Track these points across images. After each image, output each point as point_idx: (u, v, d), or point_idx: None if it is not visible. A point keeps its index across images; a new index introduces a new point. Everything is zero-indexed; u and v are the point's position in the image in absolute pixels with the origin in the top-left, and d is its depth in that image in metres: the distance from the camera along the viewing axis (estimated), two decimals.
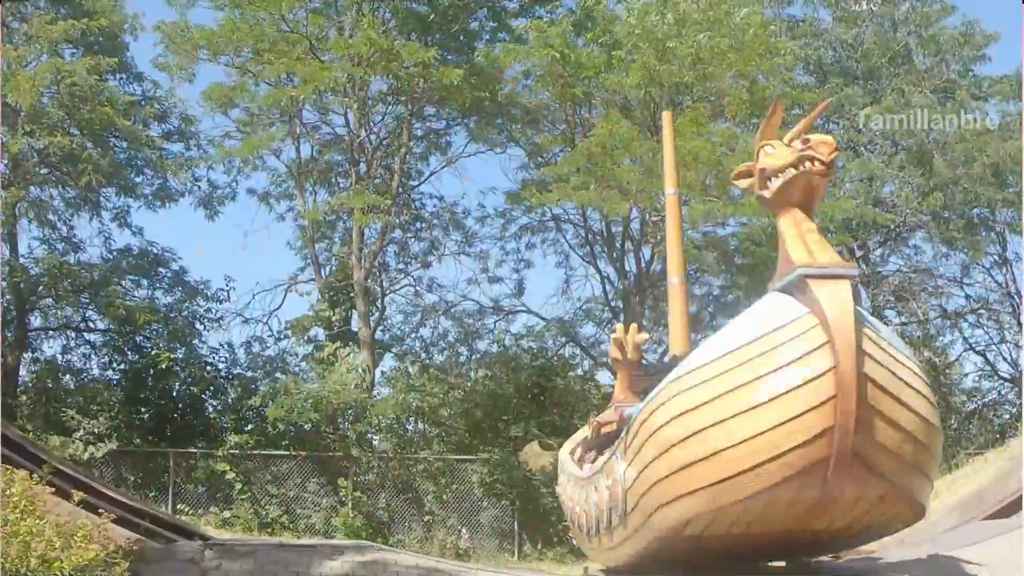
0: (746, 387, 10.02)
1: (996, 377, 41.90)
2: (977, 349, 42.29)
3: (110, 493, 19.49)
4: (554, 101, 34.37)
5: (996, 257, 41.03)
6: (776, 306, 10.24)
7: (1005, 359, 41.24)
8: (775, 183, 10.39)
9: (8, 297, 30.80)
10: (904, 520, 11.41)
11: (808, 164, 10.04)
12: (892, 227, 36.79)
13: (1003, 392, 41.85)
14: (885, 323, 38.91)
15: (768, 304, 10.41)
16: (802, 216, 10.34)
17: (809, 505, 10.20)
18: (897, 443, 9.94)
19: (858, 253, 37.77)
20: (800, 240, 10.10)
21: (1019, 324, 41.13)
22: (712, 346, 10.68)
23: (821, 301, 9.73)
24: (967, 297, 41.51)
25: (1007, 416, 39.92)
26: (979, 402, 41.71)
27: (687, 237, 32.83)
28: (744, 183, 11.53)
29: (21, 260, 31.74)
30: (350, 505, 28.47)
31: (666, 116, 18.66)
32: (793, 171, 10.14)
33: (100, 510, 14.68)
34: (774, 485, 9.94)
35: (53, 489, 12.89)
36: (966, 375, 43.13)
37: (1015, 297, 40.76)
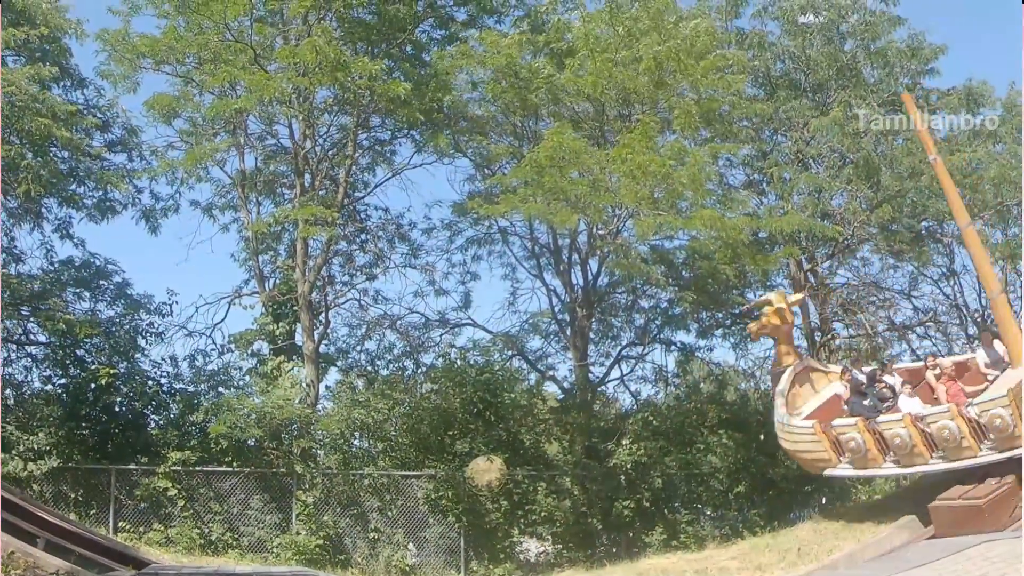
0: None
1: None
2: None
3: (45, 516, 19.13)
4: (502, 112, 34.25)
5: (944, 269, 41.19)
6: None
7: None
8: None
9: None
10: None
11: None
12: (840, 240, 36.73)
13: None
14: (835, 335, 39.33)
15: None
16: None
17: None
18: None
19: (806, 266, 37.76)
20: None
21: (967, 335, 41.29)
22: None
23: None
24: (915, 309, 41.64)
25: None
26: None
27: (634, 250, 32.83)
28: None
29: None
30: (295, 522, 28.15)
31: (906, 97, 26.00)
32: None
33: (37, 538, 14.40)
34: None
35: None
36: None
37: (963, 308, 40.93)
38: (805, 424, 23.46)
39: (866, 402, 23.22)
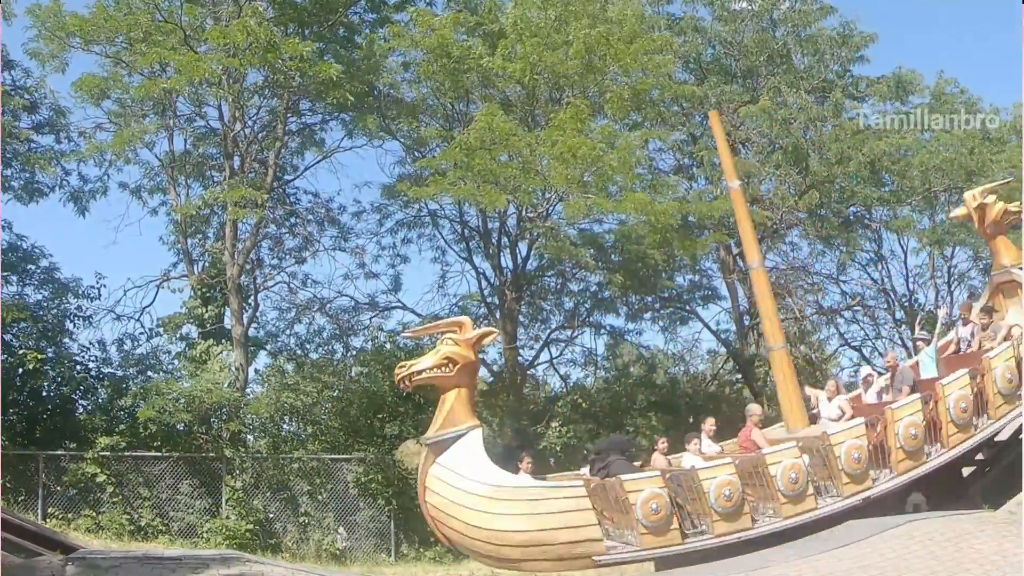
0: None
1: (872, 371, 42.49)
2: (853, 344, 42.95)
3: None
4: (433, 94, 34.25)
5: (872, 254, 41.69)
6: None
7: (880, 354, 41.82)
8: None
9: None
10: None
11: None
12: (769, 225, 37.05)
13: None
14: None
15: None
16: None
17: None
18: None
19: (735, 250, 38.05)
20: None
21: (894, 319, 41.83)
22: None
23: None
24: (843, 293, 42.11)
25: None
26: None
27: (564, 233, 32.90)
28: None
29: None
30: (224, 507, 28.03)
31: (713, 116, 22.02)
32: None
33: None
34: None
35: None
36: (843, 370, 43.71)
37: (890, 293, 41.46)
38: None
39: None
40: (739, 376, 40.98)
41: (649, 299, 38.60)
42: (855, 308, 42.00)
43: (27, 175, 32.92)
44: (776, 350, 20.16)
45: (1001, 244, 22.17)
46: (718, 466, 16.86)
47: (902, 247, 41.41)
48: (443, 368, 16.46)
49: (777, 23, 39.52)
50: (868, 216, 39.82)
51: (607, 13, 33.02)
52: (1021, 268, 21.38)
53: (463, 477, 16.39)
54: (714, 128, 20.95)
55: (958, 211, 24.01)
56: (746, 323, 39.27)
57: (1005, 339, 19.73)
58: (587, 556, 16.45)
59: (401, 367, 16.77)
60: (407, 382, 16.62)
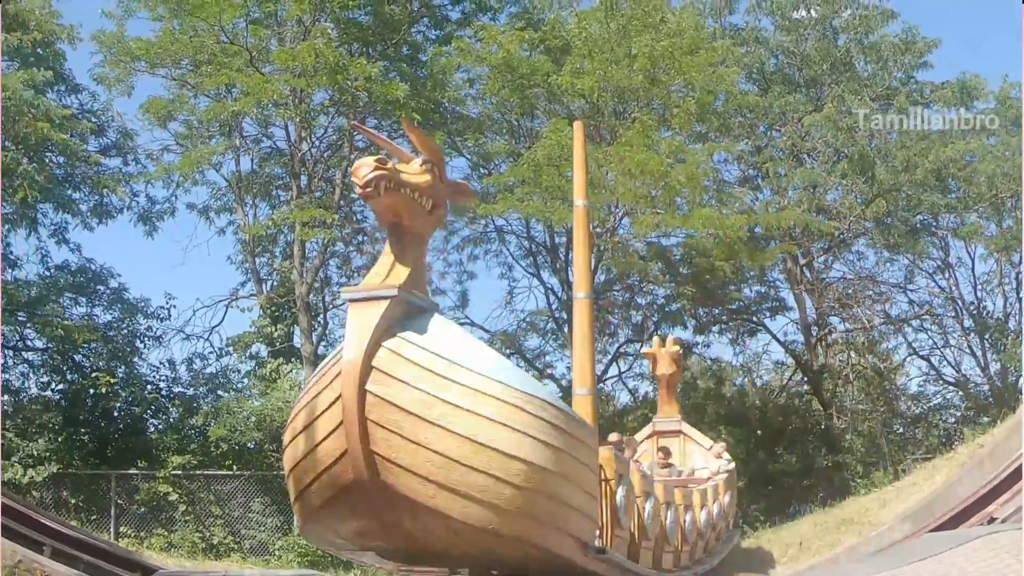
0: (308, 404, 10.43)
1: (941, 382, 42.11)
2: (921, 354, 42.49)
3: (51, 524, 19.08)
4: (498, 110, 34.30)
5: (939, 262, 41.21)
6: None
7: (949, 363, 41.48)
8: None
9: None
10: (538, 560, 11.15)
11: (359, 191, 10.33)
12: (836, 234, 36.80)
13: (948, 397, 42.27)
14: (831, 330, 39.32)
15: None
16: (389, 239, 10.95)
17: (380, 526, 10.42)
18: (432, 469, 9.87)
19: (802, 261, 37.83)
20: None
21: (962, 328, 41.33)
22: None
23: (347, 326, 10.25)
24: (910, 302, 41.65)
25: (952, 420, 40.22)
26: (925, 407, 41.98)
27: (633, 248, 32.78)
28: None
29: None
30: (296, 524, 28.08)
31: (577, 126, 18.20)
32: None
33: (43, 546, 14.35)
34: (327, 503, 10.40)
35: None
36: (911, 379, 43.33)
37: (958, 301, 40.95)
38: None
39: None
40: (807, 387, 40.63)
41: (717, 311, 38.43)
42: (923, 317, 41.53)
43: (96, 197, 33.21)
44: (580, 299, 16.63)
45: None
46: None
47: (969, 254, 40.91)
48: (425, 197, 11.11)
49: (839, 31, 39.26)
50: (935, 224, 39.33)
51: (667, 25, 32.92)
52: None
53: (463, 367, 10.32)
54: (575, 140, 18.53)
55: None
56: (814, 334, 38.95)
57: None
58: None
59: (379, 165, 10.35)
60: (376, 187, 10.19)
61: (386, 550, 11.42)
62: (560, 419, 10.71)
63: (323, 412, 10.15)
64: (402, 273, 10.53)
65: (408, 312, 10.50)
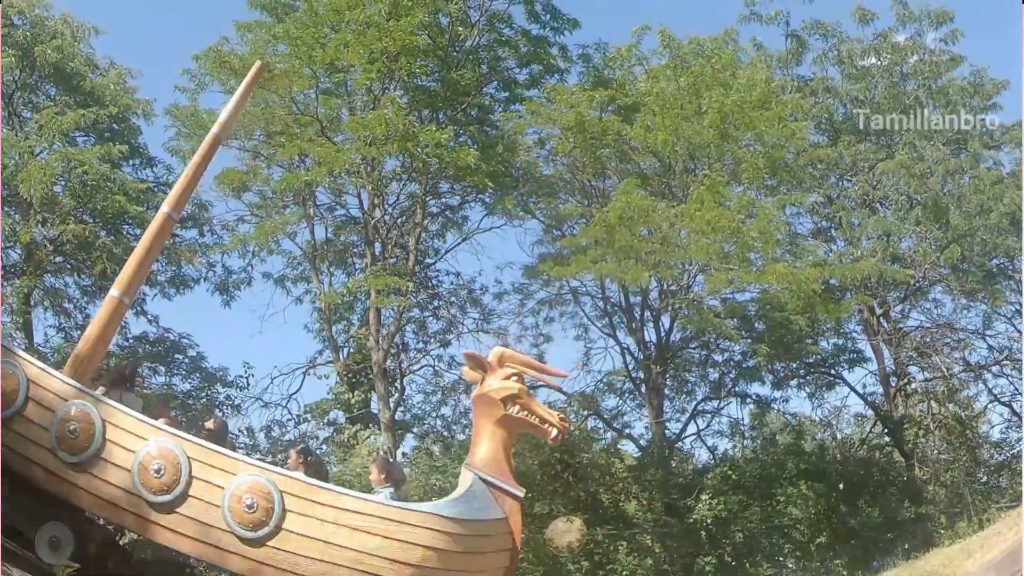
0: None
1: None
2: (1003, 400, 41.86)
3: None
4: (570, 171, 34.40)
5: (1017, 306, 40.66)
6: None
7: None
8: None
9: None
10: None
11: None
12: (911, 283, 36.46)
13: None
14: (910, 380, 38.82)
15: None
16: None
17: None
18: None
19: (878, 311, 37.53)
20: None
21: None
22: None
23: None
24: (990, 348, 41.06)
25: None
26: (1008, 454, 41.28)
27: (708, 305, 32.71)
28: None
29: (38, 349, 31.34)
30: None
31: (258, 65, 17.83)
32: None
33: None
34: None
35: None
36: (993, 427, 42.70)
37: None
38: None
39: None
40: (888, 439, 40.15)
41: (794, 365, 38.09)
42: (1003, 363, 40.93)
43: (173, 268, 33.64)
44: (114, 298, 15.34)
45: None
46: None
47: None
48: None
49: (907, 77, 39.03)
50: (1011, 267, 38.85)
51: (737, 80, 32.93)
52: None
53: None
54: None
55: None
56: (893, 384, 38.53)
57: None
58: None
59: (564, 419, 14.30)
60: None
61: None
62: None
63: None
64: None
65: None
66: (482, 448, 13.98)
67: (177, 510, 13.28)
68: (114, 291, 15.20)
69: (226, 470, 13.45)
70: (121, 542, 16.46)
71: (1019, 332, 40.64)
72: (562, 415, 14.33)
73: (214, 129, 16.44)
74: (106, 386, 15.39)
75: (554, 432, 14.15)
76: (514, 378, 14.27)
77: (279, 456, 33.23)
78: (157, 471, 13.30)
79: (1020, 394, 41.33)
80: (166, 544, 13.60)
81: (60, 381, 14.03)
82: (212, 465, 13.50)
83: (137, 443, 13.55)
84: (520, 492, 13.91)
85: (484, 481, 13.57)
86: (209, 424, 16.18)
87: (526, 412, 14.10)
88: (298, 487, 13.44)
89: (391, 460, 16.55)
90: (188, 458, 13.40)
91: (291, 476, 13.80)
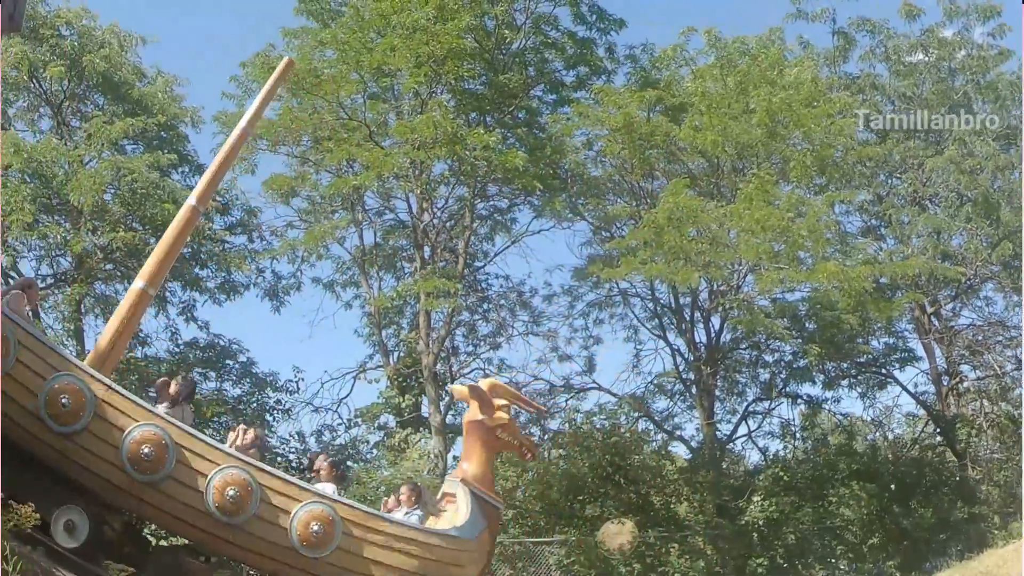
0: None
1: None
2: None
3: None
4: (618, 172, 34.31)
5: None
6: None
7: None
8: None
9: None
10: None
11: None
12: (963, 280, 36.12)
13: None
14: (962, 378, 38.41)
15: None
16: None
17: None
18: None
19: (929, 309, 37.21)
20: None
21: None
22: None
23: None
24: None
25: None
26: None
27: (758, 305, 32.52)
28: None
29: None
30: None
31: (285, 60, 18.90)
32: None
33: None
34: None
35: None
36: None
37: None
38: None
39: None
40: (940, 438, 39.76)
41: (845, 365, 37.77)
42: None
43: (223, 275, 33.78)
44: (139, 289, 15.32)
45: None
46: None
47: None
48: None
49: (955, 72, 38.69)
50: None
51: (784, 79, 32.75)
52: None
53: None
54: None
55: None
56: (945, 383, 38.17)
57: None
58: None
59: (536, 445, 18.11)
60: None
61: None
62: None
63: None
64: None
65: None
66: (473, 465, 16.14)
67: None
68: (139, 282, 15.33)
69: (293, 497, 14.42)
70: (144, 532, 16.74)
71: None
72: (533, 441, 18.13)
73: (241, 123, 16.60)
74: (168, 403, 15.47)
75: (529, 455, 17.61)
76: (504, 409, 16.56)
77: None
78: (232, 498, 13.87)
79: None
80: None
81: (130, 401, 13.88)
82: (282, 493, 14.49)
83: (210, 467, 13.90)
84: (500, 504, 16.80)
85: (474, 495, 15.71)
86: (250, 435, 16.32)
87: (511, 437, 16.68)
88: (358, 515, 14.87)
89: (419, 485, 17.16)
90: (260, 486, 14.10)
91: (353, 506, 15.25)
